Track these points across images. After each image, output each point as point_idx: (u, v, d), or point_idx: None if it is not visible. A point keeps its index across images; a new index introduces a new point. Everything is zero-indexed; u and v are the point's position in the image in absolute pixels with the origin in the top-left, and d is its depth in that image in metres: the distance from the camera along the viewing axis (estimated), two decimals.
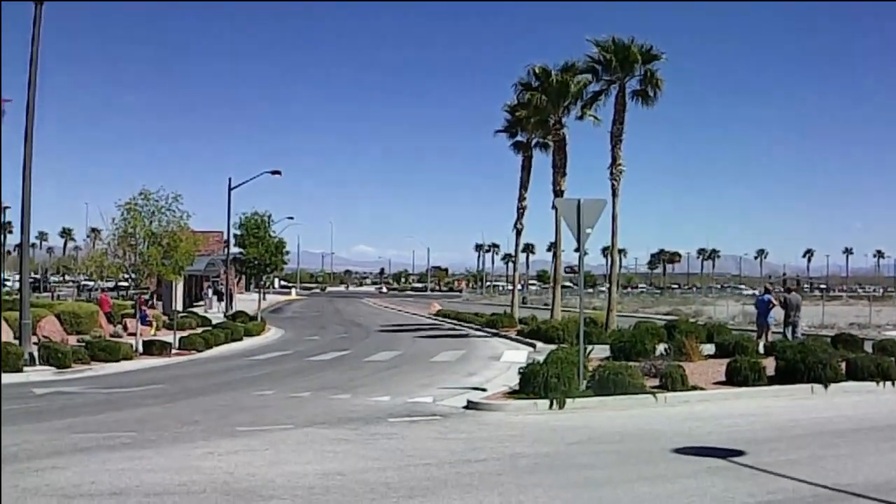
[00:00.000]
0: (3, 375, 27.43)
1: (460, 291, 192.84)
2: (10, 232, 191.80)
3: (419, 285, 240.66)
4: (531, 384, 20.86)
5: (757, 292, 42.57)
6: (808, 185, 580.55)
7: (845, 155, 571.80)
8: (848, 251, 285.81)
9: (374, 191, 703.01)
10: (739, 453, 14.08)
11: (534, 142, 59.07)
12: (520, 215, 60.76)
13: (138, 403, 21.95)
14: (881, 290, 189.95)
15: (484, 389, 23.91)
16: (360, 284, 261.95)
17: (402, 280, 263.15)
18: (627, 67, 45.54)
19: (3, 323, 36.28)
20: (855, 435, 16.82)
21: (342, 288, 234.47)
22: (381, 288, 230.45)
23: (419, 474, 12.82)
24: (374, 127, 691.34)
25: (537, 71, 51.81)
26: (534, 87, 52.32)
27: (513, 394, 21.58)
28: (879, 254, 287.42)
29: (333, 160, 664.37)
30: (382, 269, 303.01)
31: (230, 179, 68.05)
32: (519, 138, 59.72)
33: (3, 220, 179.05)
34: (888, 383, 23.47)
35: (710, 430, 17.20)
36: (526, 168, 59.59)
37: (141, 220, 36.92)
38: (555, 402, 20.06)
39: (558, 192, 50.69)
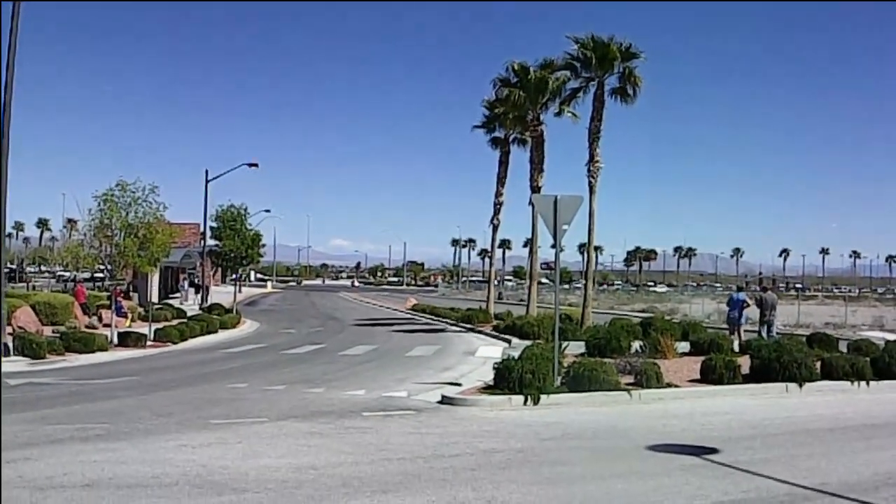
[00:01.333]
0: None
1: (436, 286, 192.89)
2: None
3: (395, 279, 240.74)
4: (506, 380, 20.87)
5: (734, 291, 42.63)
6: (784, 185, 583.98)
7: (822, 156, 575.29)
8: (824, 251, 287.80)
9: (351, 185, 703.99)
10: (714, 451, 14.13)
11: (512, 138, 59.03)
12: (496, 211, 60.74)
13: (112, 395, 21.86)
14: (857, 291, 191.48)
15: (459, 384, 23.86)
16: (337, 278, 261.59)
17: (378, 274, 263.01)
18: (606, 65, 45.58)
19: None
20: (829, 434, 16.90)
21: (318, 282, 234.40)
22: (353, 281, 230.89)
23: (393, 469, 12.81)
24: (351, 121, 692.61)
25: (516, 67, 51.81)
26: (512, 84, 52.26)
27: (487, 389, 21.58)
28: (855, 254, 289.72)
29: (311, 154, 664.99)
30: (359, 264, 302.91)
31: (207, 171, 67.87)
32: (497, 134, 59.64)
33: None
34: (863, 383, 23.60)
35: (684, 427, 17.25)
36: (503, 164, 59.54)
37: (118, 211, 36.77)
38: (529, 397, 20.09)
39: (535, 189, 50.69)
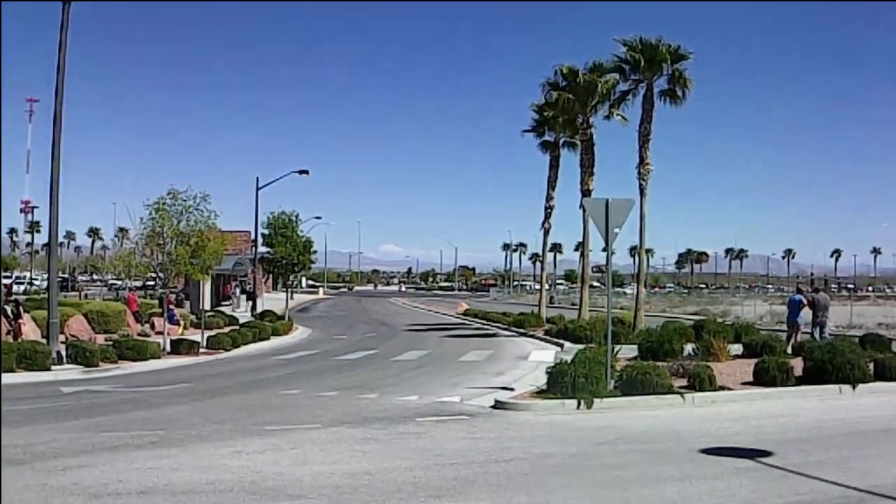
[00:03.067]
0: (32, 374, 27.67)
1: (487, 291, 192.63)
2: (39, 231, 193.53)
3: (446, 284, 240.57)
4: (559, 384, 20.85)
5: (792, 293, 42.26)
6: (836, 184, 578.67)
7: (873, 155, 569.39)
8: (876, 251, 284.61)
9: (402, 190, 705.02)
10: (767, 454, 14.04)
11: (561, 141, 59.03)
12: (547, 215, 60.68)
13: (166, 402, 22.03)
14: None
15: (511, 389, 23.86)
16: (388, 284, 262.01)
17: (430, 279, 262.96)
18: (655, 67, 45.46)
19: (32, 322, 36.51)
20: (883, 435, 16.78)
21: (370, 287, 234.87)
22: (400, 286, 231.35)
23: (447, 474, 12.83)
24: (402, 127, 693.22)
25: (565, 71, 51.74)
26: (561, 87, 52.26)
27: (540, 393, 21.56)
28: None
29: (362, 160, 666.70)
30: (410, 269, 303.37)
31: (258, 179, 68.42)
32: (546, 138, 59.59)
33: (31, 219, 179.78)
34: None
35: (737, 430, 17.14)
36: (553, 167, 59.55)
37: (169, 220, 36.96)
38: (582, 402, 20.04)
39: (586, 192, 50.68)
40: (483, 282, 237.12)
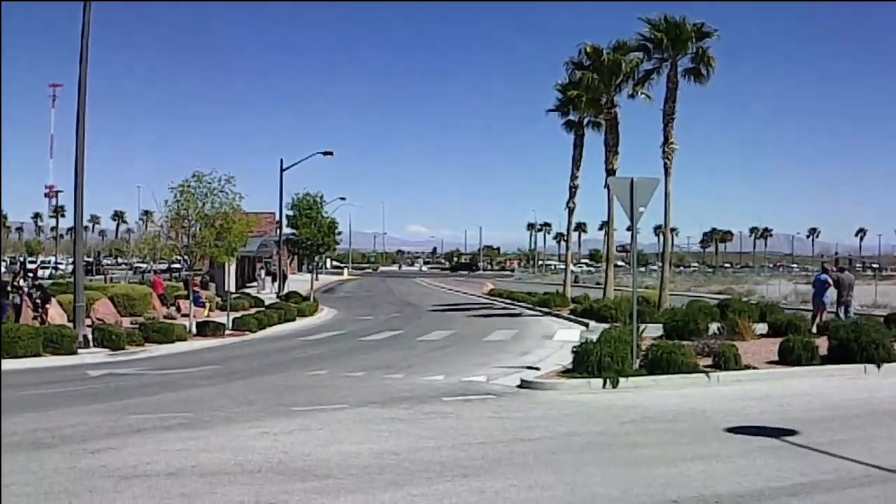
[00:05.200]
0: (59, 357, 27.84)
1: (512, 271, 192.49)
2: (63, 216, 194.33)
3: (469, 264, 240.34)
4: (584, 363, 20.94)
5: (817, 272, 42.12)
6: (860, 163, 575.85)
7: None
8: None
9: (426, 171, 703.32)
10: (792, 433, 14.08)
11: (586, 121, 58.88)
12: (572, 194, 60.65)
13: (193, 384, 22.16)
14: None
15: (537, 368, 23.98)
16: (413, 264, 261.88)
17: (455, 259, 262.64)
18: (680, 45, 45.32)
19: (58, 306, 36.70)
20: None
21: (394, 268, 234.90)
22: (421, 267, 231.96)
23: (473, 453, 12.90)
24: (425, 107, 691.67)
25: (589, 50, 51.67)
26: (585, 66, 52.22)
27: (566, 373, 21.67)
28: None
29: (385, 140, 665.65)
30: (434, 249, 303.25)
31: (282, 160, 68.18)
32: (571, 117, 59.42)
33: (56, 204, 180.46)
34: None
35: (762, 409, 17.18)
36: (578, 147, 59.45)
37: (194, 202, 37.07)
38: (608, 381, 20.13)
39: (610, 171, 50.58)
40: (508, 262, 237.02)
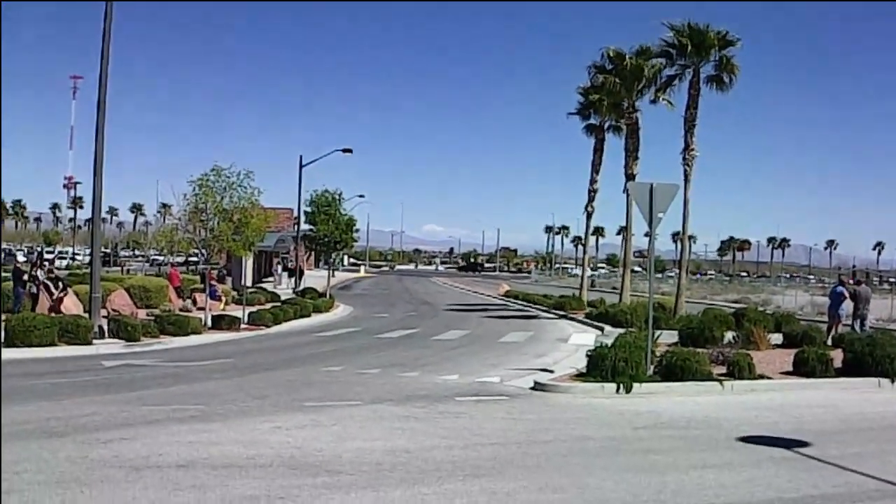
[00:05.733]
0: (74, 347, 27.90)
1: (529, 273, 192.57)
2: (82, 207, 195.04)
3: (488, 265, 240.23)
4: (599, 367, 20.94)
5: (834, 284, 42.04)
6: (881, 177, 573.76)
7: None
8: None
9: (445, 171, 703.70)
10: (805, 444, 14.07)
11: (606, 125, 58.81)
12: (591, 198, 60.57)
13: (207, 377, 22.27)
14: None
15: (551, 371, 24.03)
16: (430, 263, 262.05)
17: (471, 260, 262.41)
18: (703, 52, 45.17)
19: (74, 296, 36.81)
20: None
21: (411, 266, 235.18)
22: (437, 266, 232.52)
23: (486, 453, 12.94)
24: (446, 107, 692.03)
25: (611, 54, 51.73)
26: (608, 71, 52.26)
27: (580, 376, 21.68)
28: None
29: (405, 140, 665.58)
30: (451, 249, 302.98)
31: (301, 157, 68.45)
32: (592, 121, 59.36)
33: (74, 195, 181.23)
34: None
35: (776, 419, 17.17)
36: (598, 151, 59.40)
37: (212, 196, 37.15)
38: (622, 386, 20.14)
39: (630, 176, 50.65)
40: (525, 264, 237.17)
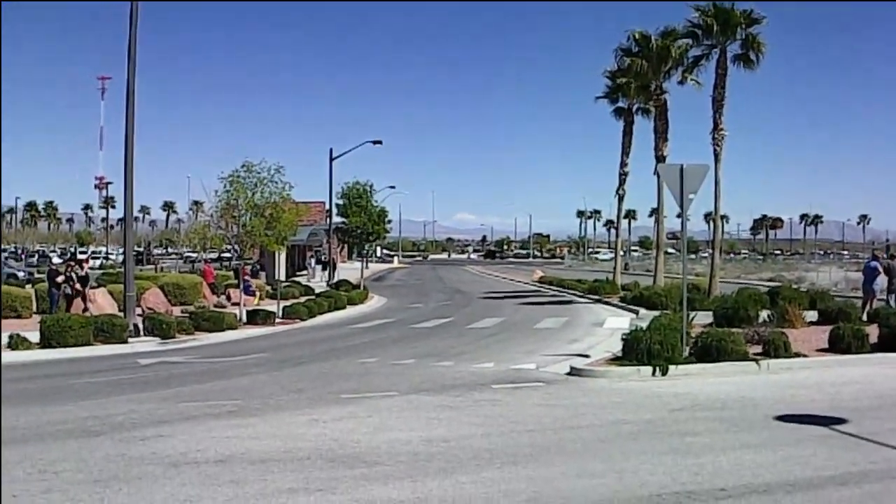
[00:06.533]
0: (109, 346, 28.07)
1: (562, 258, 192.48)
2: (114, 207, 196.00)
3: (521, 252, 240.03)
4: (634, 351, 20.93)
5: (868, 259, 41.85)
6: None
7: None
8: None
9: (475, 159, 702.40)
10: (842, 421, 14.04)
11: (635, 107, 58.63)
12: (621, 181, 60.48)
13: (243, 372, 22.34)
14: None
15: (587, 356, 24.00)
16: (462, 252, 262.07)
17: (504, 247, 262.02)
18: (729, 31, 45.12)
19: (108, 295, 37.04)
20: None
21: (444, 256, 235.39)
22: (469, 255, 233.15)
23: (523, 440, 12.97)
24: (474, 95, 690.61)
25: (637, 36, 51.71)
26: (634, 53, 52.29)
27: (616, 360, 21.72)
28: None
29: (434, 129, 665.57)
30: (484, 237, 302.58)
31: (331, 150, 68.57)
32: (620, 104, 59.14)
33: (106, 195, 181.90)
34: None
35: (812, 397, 17.14)
36: (627, 134, 59.21)
37: (244, 192, 37.27)
38: (658, 368, 20.12)
39: (660, 158, 50.60)
40: (558, 249, 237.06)
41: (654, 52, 50.57)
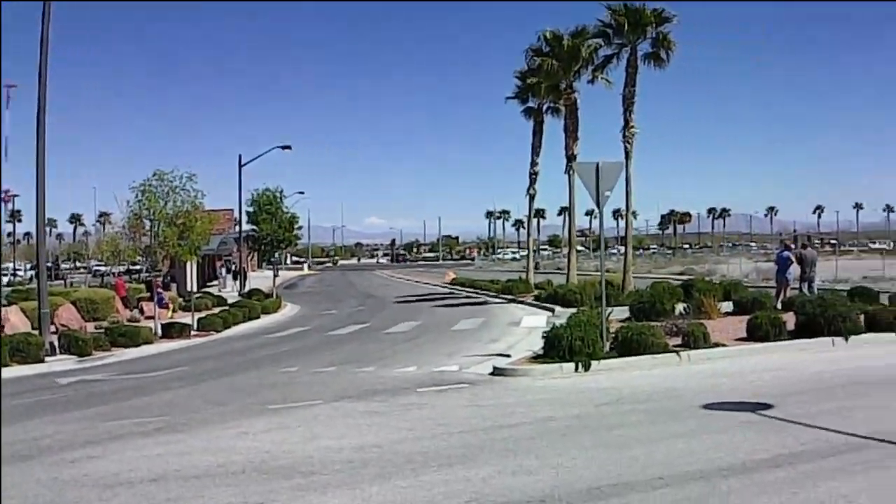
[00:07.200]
0: (27, 366, 27.59)
1: (472, 259, 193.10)
2: (20, 221, 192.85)
3: (431, 255, 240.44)
4: (556, 348, 21.08)
5: (778, 249, 42.58)
6: (816, 141, 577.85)
7: (853, 112, 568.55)
8: (858, 206, 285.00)
9: (383, 163, 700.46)
10: (768, 406, 14.32)
11: (545, 107, 58.95)
12: (532, 181, 60.81)
13: (165, 387, 22.06)
14: (892, 244, 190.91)
15: (508, 355, 24.13)
16: (372, 256, 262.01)
17: (414, 250, 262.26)
18: (639, 30, 45.59)
19: (21, 313, 36.40)
20: (880, 385, 17.03)
21: (354, 261, 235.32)
22: (378, 259, 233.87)
23: (455, 442, 12.99)
24: (381, 98, 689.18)
25: (549, 36, 52.02)
26: (545, 53, 52.59)
27: (537, 358, 21.81)
28: (889, 208, 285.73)
29: (342, 134, 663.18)
30: (393, 241, 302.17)
31: (240, 156, 68.06)
32: (530, 104, 59.50)
33: (12, 208, 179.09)
34: None
35: (735, 385, 17.42)
36: (537, 134, 59.56)
37: (156, 202, 36.89)
38: (580, 364, 20.31)
39: (571, 157, 51.08)
40: (468, 251, 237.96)
41: (565, 52, 50.91)
